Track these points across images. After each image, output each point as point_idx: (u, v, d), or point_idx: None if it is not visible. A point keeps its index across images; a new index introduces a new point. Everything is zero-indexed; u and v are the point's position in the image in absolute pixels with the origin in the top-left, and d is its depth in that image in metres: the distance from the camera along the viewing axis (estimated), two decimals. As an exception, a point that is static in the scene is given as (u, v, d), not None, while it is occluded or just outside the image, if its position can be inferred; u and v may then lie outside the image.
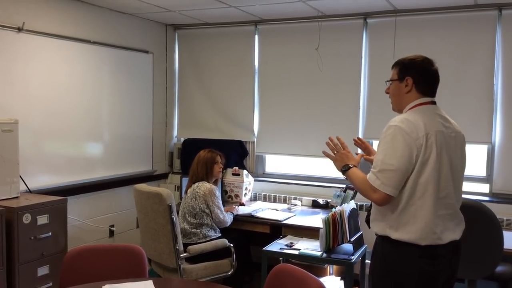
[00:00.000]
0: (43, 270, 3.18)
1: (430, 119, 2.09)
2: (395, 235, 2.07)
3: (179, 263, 3.34)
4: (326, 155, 2.35)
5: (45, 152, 3.75)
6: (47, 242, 3.20)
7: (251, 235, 4.06)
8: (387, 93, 2.30)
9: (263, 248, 3.39)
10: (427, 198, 2.03)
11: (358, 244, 3.36)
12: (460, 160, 2.18)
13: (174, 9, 4.34)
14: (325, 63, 4.41)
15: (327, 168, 4.52)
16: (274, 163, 4.97)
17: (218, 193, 3.74)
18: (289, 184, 4.66)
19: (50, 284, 3.23)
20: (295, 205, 4.38)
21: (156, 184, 4.96)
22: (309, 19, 4.44)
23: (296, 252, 3.31)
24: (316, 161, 4.61)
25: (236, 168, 4.59)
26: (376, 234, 2.21)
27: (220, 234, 3.73)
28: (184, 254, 3.39)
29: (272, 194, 4.69)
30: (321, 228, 3.18)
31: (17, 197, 3.26)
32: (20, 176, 3.33)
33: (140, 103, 4.73)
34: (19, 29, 3.51)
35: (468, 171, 3.97)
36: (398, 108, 2.25)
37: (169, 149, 5.25)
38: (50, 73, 3.77)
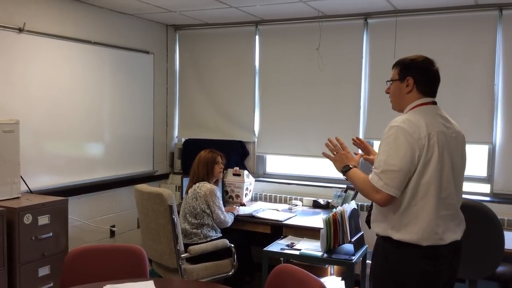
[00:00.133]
0: (44, 271, 3.19)
1: (431, 120, 2.09)
2: (396, 235, 2.07)
3: (180, 263, 3.34)
4: (326, 156, 2.35)
5: (46, 153, 3.76)
6: (48, 243, 3.20)
7: (252, 235, 4.06)
8: (387, 93, 2.30)
9: (264, 249, 3.39)
10: (429, 198, 2.03)
11: (359, 244, 3.36)
12: (460, 160, 2.18)
13: (175, 10, 4.34)
14: (325, 63, 4.41)
15: (327, 168, 4.51)
16: (275, 164, 4.97)
17: (219, 194, 3.74)
18: (290, 184, 4.66)
19: (51, 284, 3.23)
20: (296, 205, 4.38)
21: (157, 185, 4.96)
22: (310, 20, 4.44)
23: (297, 253, 3.31)
24: (317, 161, 4.61)
25: (237, 168, 4.59)
26: (377, 235, 2.20)
27: (221, 235, 3.73)
28: (185, 255, 3.39)
29: (273, 195, 4.69)
30: (321, 228, 3.18)
31: (18, 198, 3.26)
32: (21, 177, 3.34)
33: (140, 103, 4.74)
34: (20, 30, 3.51)
35: (469, 171, 3.98)
36: (399, 108, 2.25)
37: (170, 149, 5.25)
38: (51, 74, 3.77)
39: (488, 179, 3.97)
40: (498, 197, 3.88)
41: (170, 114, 5.23)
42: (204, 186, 3.69)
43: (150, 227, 3.44)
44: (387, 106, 2.35)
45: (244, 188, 4.53)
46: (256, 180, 4.77)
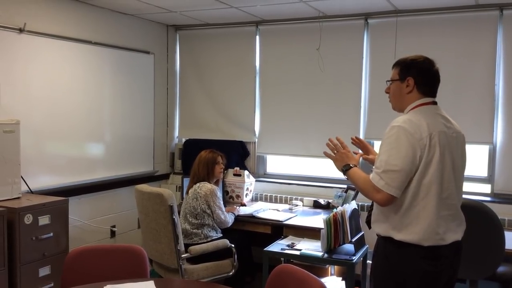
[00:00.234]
0: (44, 271, 3.19)
1: (432, 120, 2.09)
2: (398, 236, 2.06)
3: (180, 263, 3.34)
4: (327, 155, 2.35)
5: (46, 153, 3.76)
6: (48, 243, 3.21)
7: (252, 235, 4.06)
8: (387, 92, 2.29)
9: (264, 249, 3.39)
10: (430, 198, 2.03)
11: (359, 244, 3.36)
12: (461, 160, 2.18)
13: (175, 10, 4.34)
14: (326, 63, 4.41)
15: (328, 168, 4.52)
16: (275, 164, 4.96)
17: (219, 194, 3.74)
18: (290, 184, 4.66)
19: (52, 284, 3.23)
20: (296, 205, 4.38)
21: (157, 185, 4.96)
22: (310, 20, 4.44)
23: (297, 253, 3.30)
24: (317, 161, 4.61)
25: (237, 168, 4.59)
26: (378, 235, 2.20)
27: (221, 235, 3.73)
28: (185, 255, 3.39)
29: (273, 195, 4.69)
30: (322, 228, 3.18)
31: (18, 198, 3.26)
32: (22, 177, 3.34)
33: (141, 103, 4.74)
34: (21, 30, 3.51)
35: (469, 172, 3.98)
36: (399, 108, 2.24)
37: (170, 149, 5.25)
38: (51, 74, 3.78)
39: (489, 179, 3.97)
40: (499, 197, 3.88)
41: (171, 114, 5.23)
42: (205, 186, 3.69)
43: (151, 227, 3.44)
44: (387, 106, 2.34)
45: (245, 188, 4.53)
46: (256, 180, 4.77)
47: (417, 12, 4.04)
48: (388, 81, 2.27)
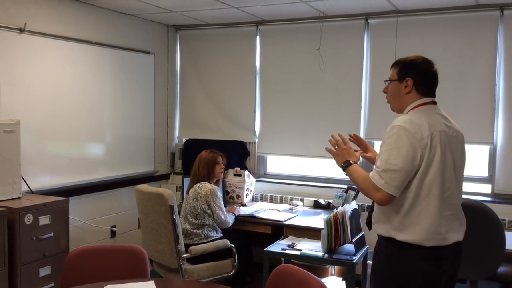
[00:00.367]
0: (45, 271, 3.19)
1: (433, 119, 2.09)
2: (400, 236, 2.06)
3: (181, 263, 3.34)
4: (328, 150, 2.34)
5: (47, 153, 3.76)
6: (49, 243, 3.21)
7: (253, 235, 4.06)
8: (384, 92, 2.29)
9: (265, 249, 3.39)
10: (431, 198, 2.03)
11: (359, 244, 3.36)
12: (461, 160, 2.18)
13: (176, 10, 4.34)
14: (326, 63, 4.41)
15: (328, 168, 4.52)
16: (276, 164, 4.96)
17: (219, 194, 3.74)
18: (291, 184, 4.66)
19: (52, 284, 3.24)
20: (297, 205, 4.38)
21: (157, 185, 4.96)
22: (311, 20, 4.44)
23: (298, 253, 3.30)
24: (318, 161, 4.61)
25: (238, 168, 4.59)
26: (379, 235, 2.19)
27: (221, 235, 3.73)
28: (186, 255, 3.39)
29: (274, 195, 4.69)
30: (322, 228, 3.18)
31: (19, 198, 3.26)
32: (22, 177, 3.34)
33: (141, 103, 4.74)
34: (21, 30, 3.51)
35: (470, 172, 4.00)
36: (397, 108, 2.24)
37: (171, 149, 5.25)
38: (52, 74, 3.78)
39: (489, 179, 3.96)
40: (499, 197, 3.87)
41: (171, 115, 5.23)
42: (205, 186, 3.69)
43: (151, 227, 3.44)
44: (387, 106, 2.34)
45: (245, 188, 4.53)
46: (256, 180, 4.77)
47: (418, 12, 4.04)
48: (386, 81, 2.27)
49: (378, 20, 4.25)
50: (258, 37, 4.78)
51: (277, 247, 3.43)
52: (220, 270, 3.55)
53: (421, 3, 3.91)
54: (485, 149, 3.97)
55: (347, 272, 3.17)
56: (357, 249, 3.28)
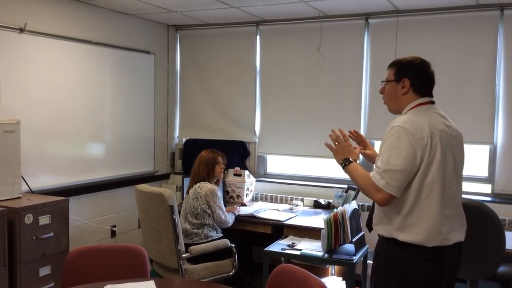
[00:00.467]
0: (45, 271, 3.19)
1: (432, 119, 2.08)
2: (401, 237, 2.05)
3: (181, 263, 3.34)
4: (328, 146, 2.33)
5: (47, 153, 3.76)
6: (49, 243, 3.21)
7: (253, 235, 4.06)
8: (381, 93, 2.28)
9: (265, 249, 3.39)
10: (433, 198, 2.02)
11: (359, 244, 3.36)
12: (460, 159, 2.18)
13: (176, 10, 4.34)
14: (326, 63, 4.41)
15: (328, 168, 4.51)
16: (276, 164, 4.96)
17: (219, 194, 3.74)
18: (291, 184, 4.66)
19: (52, 284, 3.23)
20: (297, 205, 4.38)
21: (157, 185, 4.96)
22: (311, 20, 4.44)
23: (298, 253, 3.30)
24: (318, 161, 4.61)
25: (238, 168, 4.59)
26: (380, 236, 2.18)
27: (221, 235, 3.73)
28: (186, 255, 3.39)
29: (274, 195, 4.69)
30: (322, 228, 3.18)
31: (19, 198, 3.26)
32: (22, 177, 3.34)
33: (141, 103, 4.74)
34: (21, 30, 3.51)
35: (470, 172, 4.00)
36: (394, 109, 2.23)
37: (171, 149, 5.25)
38: (52, 74, 3.78)
39: (489, 179, 3.96)
40: (499, 197, 3.87)
41: (171, 114, 5.23)
42: (205, 186, 3.69)
43: (151, 227, 3.44)
44: (387, 106, 2.34)
45: (245, 188, 4.53)
46: (257, 180, 4.77)
47: (418, 12, 4.04)
48: (383, 81, 2.26)
49: (378, 20, 4.25)
50: (258, 37, 4.78)
51: (277, 247, 3.43)
52: (220, 270, 3.55)
53: (421, 3, 3.90)
54: (485, 149, 3.97)
55: (347, 272, 3.17)
56: (357, 249, 3.28)
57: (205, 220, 3.64)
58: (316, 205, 4.36)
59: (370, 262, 3.36)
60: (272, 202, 4.64)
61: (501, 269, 3.04)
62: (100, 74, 4.24)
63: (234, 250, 3.58)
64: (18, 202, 3.15)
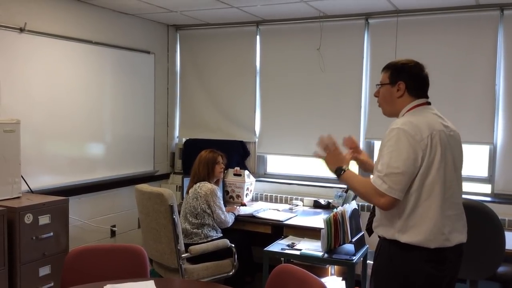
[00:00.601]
0: (44, 270, 3.19)
1: (430, 119, 2.08)
2: (403, 238, 2.04)
3: (181, 263, 3.34)
4: (317, 156, 2.32)
5: (46, 152, 3.76)
6: (48, 242, 3.21)
7: (253, 235, 4.06)
8: (376, 96, 2.27)
9: (265, 249, 3.39)
10: (433, 198, 2.01)
11: (359, 244, 3.36)
12: (460, 159, 2.18)
13: (176, 10, 4.34)
14: (326, 63, 4.41)
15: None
16: (276, 164, 4.96)
17: (219, 193, 3.74)
18: (291, 184, 4.66)
19: (52, 284, 3.23)
20: (297, 205, 4.38)
21: (157, 185, 4.96)
22: (311, 20, 4.44)
23: (298, 253, 3.30)
24: (318, 161, 4.59)
25: (238, 168, 4.59)
26: (381, 237, 2.17)
27: (221, 235, 3.73)
28: (186, 254, 3.39)
29: (274, 195, 4.69)
30: (322, 228, 3.18)
31: (18, 197, 3.26)
32: (22, 176, 3.34)
33: (141, 103, 4.74)
34: (21, 30, 3.51)
35: (470, 172, 3.99)
36: (390, 112, 2.23)
37: (171, 149, 5.25)
38: (52, 73, 3.78)
39: (489, 179, 3.96)
40: (499, 197, 3.87)
41: (171, 114, 5.23)
42: (205, 186, 3.69)
43: (151, 227, 3.44)
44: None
45: (245, 188, 4.53)
46: (256, 180, 4.77)
47: (418, 12, 4.04)
48: (378, 84, 2.26)
49: (378, 20, 4.25)
50: (258, 37, 4.77)
51: (277, 247, 3.43)
52: (220, 270, 3.55)
53: (421, 3, 3.90)
54: (485, 149, 3.97)
55: (347, 272, 3.17)
56: (357, 249, 3.28)
57: (205, 220, 3.64)
58: (316, 205, 4.36)
59: (370, 262, 3.37)
60: (272, 202, 4.64)
61: (501, 269, 3.04)
62: (100, 73, 4.24)
63: (234, 250, 3.58)
64: (18, 202, 3.15)
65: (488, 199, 3.86)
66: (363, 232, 3.49)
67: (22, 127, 3.30)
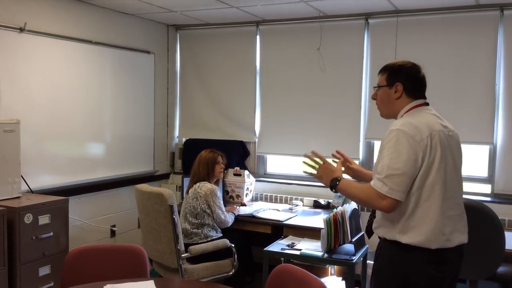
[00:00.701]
0: (44, 270, 3.19)
1: (430, 120, 2.08)
2: (404, 239, 2.03)
3: (181, 263, 3.34)
4: (309, 173, 2.32)
5: (46, 152, 3.76)
6: (48, 242, 3.21)
7: (253, 235, 4.06)
8: (373, 99, 2.27)
9: (265, 249, 3.39)
10: (434, 199, 2.01)
11: (359, 244, 3.36)
12: (459, 159, 2.17)
13: (176, 10, 4.34)
14: (326, 63, 4.41)
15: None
16: (276, 164, 4.96)
17: (219, 193, 3.74)
18: (291, 184, 4.66)
19: (52, 284, 3.23)
20: (297, 205, 4.38)
21: (157, 185, 4.96)
22: (311, 20, 4.44)
23: (298, 253, 3.30)
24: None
25: (238, 168, 4.59)
26: (381, 238, 2.17)
27: (221, 235, 3.73)
28: (186, 254, 3.39)
29: (274, 195, 4.69)
30: (322, 228, 3.18)
31: (18, 197, 3.26)
32: (22, 176, 3.34)
33: (141, 103, 4.74)
34: (21, 29, 3.51)
35: (470, 172, 3.99)
36: (387, 114, 2.23)
37: (171, 149, 5.25)
38: (51, 73, 3.78)
39: (489, 180, 3.96)
40: (499, 197, 3.87)
41: (171, 114, 5.23)
42: (205, 186, 3.69)
43: (151, 227, 3.44)
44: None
45: (245, 188, 4.53)
46: (256, 180, 4.77)
47: (418, 12, 4.04)
48: (375, 87, 2.26)
49: (378, 20, 4.25)
50: (258, 37, 4.77)
51: (277, 247, 3.43)
52: (219, 270, 3.55)
53: (421, 3, 3.90)
54: (485, 149, 3.97)
55: (347, 272, 3.17)
56: (357, 249, 3.28)
57: (204, 220, 3.64)
58: (316, 205, 4.36)
59: (370, 262, 3.37)
60: (272, 202, 4.64)
61: (501, 269, 3.04)
62: (100, 73, 4.24)
63: (234, 250, 3.58)
64: (17, 202, 3.15)
65: (488, 199, 3.86)
66: (363, 232, 3.49)
67: (22, 127, 3.30)
